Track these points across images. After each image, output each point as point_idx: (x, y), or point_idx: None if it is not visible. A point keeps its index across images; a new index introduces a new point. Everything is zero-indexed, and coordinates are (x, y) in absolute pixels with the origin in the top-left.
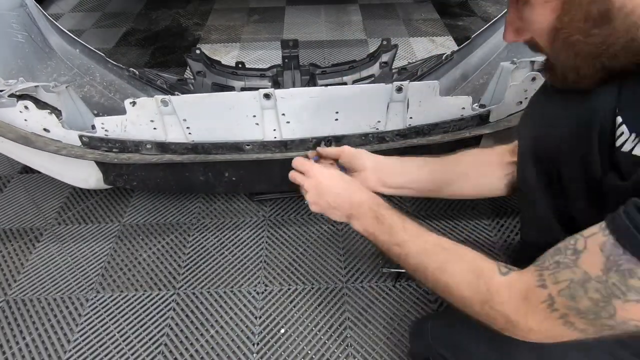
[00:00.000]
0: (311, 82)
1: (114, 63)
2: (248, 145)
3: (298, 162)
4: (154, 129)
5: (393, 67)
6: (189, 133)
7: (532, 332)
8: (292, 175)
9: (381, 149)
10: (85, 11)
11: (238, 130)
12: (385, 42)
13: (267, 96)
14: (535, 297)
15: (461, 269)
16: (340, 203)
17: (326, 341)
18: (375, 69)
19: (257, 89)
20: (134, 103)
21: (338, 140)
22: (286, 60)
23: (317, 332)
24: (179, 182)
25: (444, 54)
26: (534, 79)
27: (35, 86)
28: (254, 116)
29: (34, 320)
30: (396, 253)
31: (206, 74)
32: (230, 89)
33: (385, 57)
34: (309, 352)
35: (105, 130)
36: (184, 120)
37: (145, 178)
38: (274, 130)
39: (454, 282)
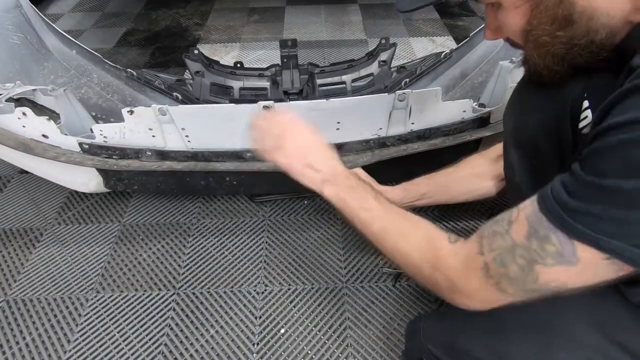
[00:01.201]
0: (310, 81)
1: (112, 64)
2: (249, 153)
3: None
4: (153, 136)
5: (392, 66)
6: (188, 141)
7: (471, 298)
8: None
9: (382, 155)
10: (85, 11)
11: (238, 139)
12: (383, 41)
13: (266, 108)
14: (474, 264)
15: (417, 235)
16: (320, 166)
17: (326, 341)
18: (374, 68)
19: (255, 88)
20: (131, 112)
21: (339, 148)
22: (285, 59)
23: (317, 332)
24: (180, 186)
25: (442, 52)
26: None
27: (33, 90)
28: None
29: (34, 320)
30: (363, 218)
31: (204, 74)
32: (229, 88)
33: (383, 56)
34: (309, 352)
35: (104, 137)
36: (183, 129)
37: (146, 182)
38: None
39: (409, 246)
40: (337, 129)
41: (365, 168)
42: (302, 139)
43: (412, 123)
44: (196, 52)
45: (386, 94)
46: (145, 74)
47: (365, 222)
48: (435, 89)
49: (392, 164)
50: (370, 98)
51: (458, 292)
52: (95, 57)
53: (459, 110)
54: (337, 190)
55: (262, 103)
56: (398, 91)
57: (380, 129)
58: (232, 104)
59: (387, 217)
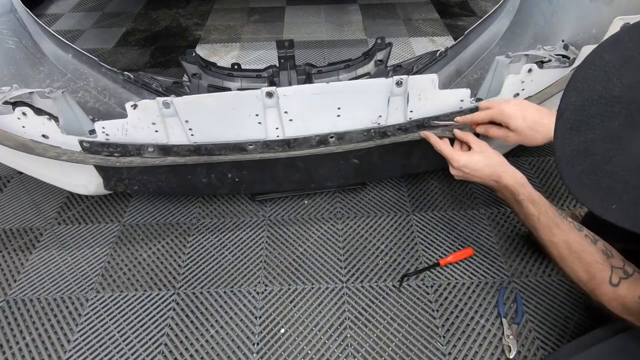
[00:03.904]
0: (307, 81)
1: (108, 67)
2: (251, 145)
3: (460, 133)
4: (156, 131)
5: (388, 65)
6: (192, 135)
7: (625, 319)
8: (440, 145)
9: (383, 143)
10: (85, 11)
11: (241, 129)
12: (379, 40)
13: (269, 94)
14: (634, 312)
15: (577, 268)
16: (488, 182)
17: (326, 341)
18: (370, 67)
19: (253, 90)
20: (135, 106)
21: (340, 137)
22: (282, 60)
23: (317, 332)
24: (181, 185)
25: (437, 50)
26: (530, 70)
27: (30, 92)
28: (257, 115)
29: (34, 320)
30: (527, 228)
31: (201, 76)
32: (227, 90)
33: (380, 55)
34: (309, 352)
35: (106, 135)
36: (186, 121)
37: (147, 182)
38: (277, 128)
39: (569, 273)
40: (338, 115)
41: (367, 162)
42: (480, 162)
43: (411, 111)
44: (193, 54)
45: (384, 78)
46: (142, 76)
47: (531, 233)
48: (431, 75)
49: (392, 155)
50: (370, 81)
51: (611, 312)
52: (91, 61)
53: (456, 99)
54: (505, 198)
55: (265, 89)
56: (396, 76)
57: (380, 116)
58: (236, 91)
59: (550, 242)
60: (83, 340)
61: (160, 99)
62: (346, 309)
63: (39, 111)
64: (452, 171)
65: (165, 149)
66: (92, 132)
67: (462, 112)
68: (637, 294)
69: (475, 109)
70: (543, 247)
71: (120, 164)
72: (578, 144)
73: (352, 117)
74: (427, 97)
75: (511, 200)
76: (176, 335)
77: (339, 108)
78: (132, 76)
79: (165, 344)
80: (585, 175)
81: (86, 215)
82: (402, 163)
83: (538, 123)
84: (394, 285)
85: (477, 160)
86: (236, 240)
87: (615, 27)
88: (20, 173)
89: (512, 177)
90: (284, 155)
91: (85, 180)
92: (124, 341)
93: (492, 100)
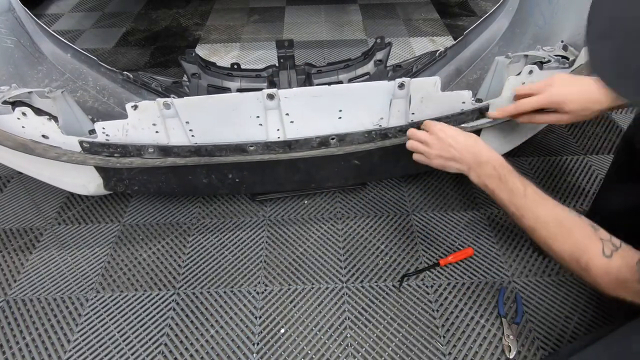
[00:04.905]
0: (307, 81)
1: (107, 67)
2: (252, 146)
3: (425, 124)
4: (156, 132)
5: (388, 65)
6: (192, 136)
7: (618, 296)
8: (411, 143)
9: (385, 145)
10: (85, 11)
11: (241, 131)
12: (379, 40)
13: (270, 96)
14: (630, 287)
15: (568, 244)
16: (465, 156)
17: (326, 341)
18: (370, 67)
19: (253, 89)
20: (135, 107)
21: (341, 138)
22: (282, 60)
23: (317, 332)
24: (182, 186)
25: (437, 50)
26: (531, 72)
27: (29, 92)
28: (258, 117)
29: (34, 320)
30: (512, 212)
31: (201, 76)
32: (226, 90)
33: (379, 55)
34: (309, 352)
35: (107, 135)
36: (187, 122)
37: (147, 182)
38: (278, 130)
39: (559, 250)
40: (340, 117)
41: (368, 162)
42: (449, 139)
43: (413, 114)
44: (192, 54)
45: (386, 81)
46: (141, 76)
47: (514, 216)
48: (433, 77)
49: (393, 156)
50: (371, 84)
51: (603, 293)
52: (90, 60)
53: (458, 101)
54: (484, 180)
55: (266, 91)
56: (398, 79)
57: (382, 118)
58: (237, 93)
59: (537, 218)
60: (83, 340)
61: (161, 100)
62: (346, 309)
63: (38, 111)
64: (430, 149)
65: (165, 150)
66: (92, 132)
67: (463, 114)
68: (633, 261)
69: (476, 111)
70: (529, 230)
71: (120, 164)
72: (610, 50)
73: (353, 119)
74: (429, 99)
75: (492, 178)
76: (176, 335)
77: (340, 110)
78: (131, 76)
79: (165, 344)
80: (620, 72)
81: (86, 215)
82: (402, 164)
83: (591, 100)
84: (394, 285)
85: (455, 130)
86: (236, 240)
87: None
88: (20, 173)
89: (491, 151)
90: (285, 156)
91: (85, 181)
92: (124, 341)
93: (537, 83)
